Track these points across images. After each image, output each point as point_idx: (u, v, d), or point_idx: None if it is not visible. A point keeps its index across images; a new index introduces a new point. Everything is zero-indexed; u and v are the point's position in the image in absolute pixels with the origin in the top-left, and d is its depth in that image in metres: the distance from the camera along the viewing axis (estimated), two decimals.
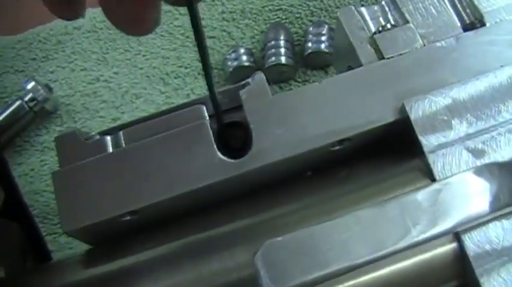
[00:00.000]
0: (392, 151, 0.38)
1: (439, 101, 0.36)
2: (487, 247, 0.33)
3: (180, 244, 0.37)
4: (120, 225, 0.37)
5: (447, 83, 0.37)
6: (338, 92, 0.37)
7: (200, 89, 0.58)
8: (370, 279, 0.33)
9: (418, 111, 0.36)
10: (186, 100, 0.41)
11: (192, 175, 0.36)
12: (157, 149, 0.37)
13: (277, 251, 0.29)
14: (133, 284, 0.36)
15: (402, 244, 0.30)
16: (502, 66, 0.37)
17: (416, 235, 0.30)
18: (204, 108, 0.38)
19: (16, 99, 0.59)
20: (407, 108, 0.36)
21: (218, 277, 0.35)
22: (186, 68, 0.60)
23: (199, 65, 0.59)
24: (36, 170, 0.58)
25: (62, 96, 0.61)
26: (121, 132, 0.38)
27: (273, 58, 0.56)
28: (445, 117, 0.36)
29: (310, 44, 0.57)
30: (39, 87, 0.59)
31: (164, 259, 0.36)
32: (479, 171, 0.32)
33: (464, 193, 0.32)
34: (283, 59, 0.56)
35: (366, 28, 0.40)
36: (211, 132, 0.37)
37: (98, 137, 0.39)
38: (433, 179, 0.34)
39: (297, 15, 0.61)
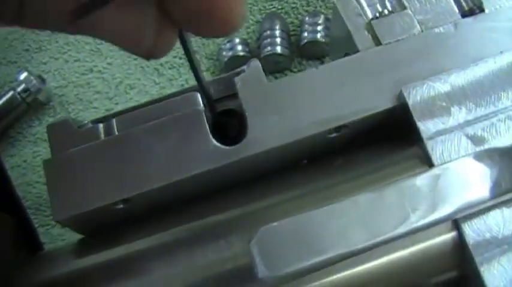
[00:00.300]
0: (390, 138, 0.37)
1: (438, 87, 0.35)
2: (487, 235, 0.32)
3: (174, 233, 0.36)
4: (112, 214, 0.36)
5: (446, 70, 0.36)
6: (335, 78, 0.37)
7: (194, 79, 0.57)
8: (367, 268, 0.33)
9: (416, 97, 0.35)
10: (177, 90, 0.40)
11: (186, 162, 0.35)
12: (150, 136, 0.36)
13: (272, 238, 0.28)
14: (126, 274, 0.35)
15: (401, 229, 0.29)
16: (501, 52, 0.37)
17: (416, 220, 0.29)
18: (199, 95, 0.37)
19: (8, 90, 0.58)
20: (405, 94, 0.35)
21: (214, 267, 0.34)
22: (180, 58, 0.59)
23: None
24: (28, 162, 0.57)
25: (55, 87, 0.60)
26: (114, 120, 0.38)
27: (269, 48, 0.55)
28: (444, 104, 0.35)
29: (306, 34, 0.56)
30: (32, 78, 0.58)
31: (158, 248, 0.35)
32: (480, 156, 0.32)
33: (464, 178, 0.31)
34: (278, 49, 0.55)
35: (363, 14, 0.40)
36: (205, 119, 0.36)
37: (90, 125, 0.38)
38: (432, 166, 0.34)
39: (293, 5, 0.60)
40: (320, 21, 0.56)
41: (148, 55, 0.27)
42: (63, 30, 0.25)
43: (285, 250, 0.28)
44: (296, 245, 0.28)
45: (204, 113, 0.36)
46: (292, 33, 0.59)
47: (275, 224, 0.29)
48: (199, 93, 0.37)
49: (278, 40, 0.56)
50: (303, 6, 0.60)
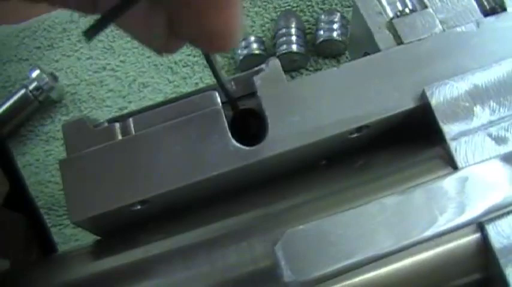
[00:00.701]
0: (412, 139, 0.37)
1: (461, 87, 0.35)
2: None
3: (193, 235, 0.35)
4: (130, 215, 0.36)
5: (468, 69, 0.36)
6: (356, 78, 0.36)
7: (209, 77, 0.57)
8: (391, 270, 0.32)
9: (439, 97, 0.35)
10: (194, 89, 0.40)
11: (206, 163, 0.35)
12: (168, 136, 0.36)
13: (298, 241, 0.28)
14: (144, 277, 0.35)
15: (429, 232, 0.29)
16: None
17: (444, 223, 0.29)
18: (217, 94, 0.37)
19: (20, 88, 0.58)
20: (428, 94, 0.35)
21: (234, 269, 0.33)
22: (194, 56, 0.59)
23: None
24: (41, 161, 0.57)
25: (67, 85, 0.60)
26: (130, 119, 0.37)
27: (284, 46, 0.55)
28: (467, 104, 0.35)
29: (322, 32, 0.56)
30: (44, 75, 0.58)
31: (176, 250, 0.35)
32: (507, 158, 0.31)
33: (492, 180, 0.30)
34: (294, 47, 0.55)
35: (383, 13, 0.39)
36: (225, 119, 0.36)
37: (106, 124, 0.37)
38: (456, 167, 0.33)
39: (308, 3, 0.59)
40: (336, 19, 0.55)
41: (160, 51, 0.27)
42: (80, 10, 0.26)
43: (311, 253, 0.28)
44: (322, 249, 0.28)
45: (223, 112, 0.36)
46: (307, 31, 0.58)
47: (301, 227, 0.28)
48: (218, 92, 0.37)
49: (294, 38, 0.55)
50: (318, 4, 0.59)
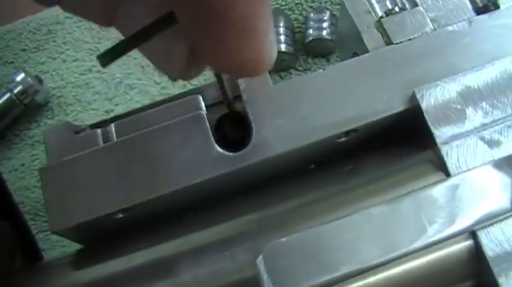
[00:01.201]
0: (402, 142, 0.36)
1: (452, 88, 0.34)
2: (505, 244, 0.31)
3: (177, 243, 0.34)
4: (112, 223, 0.35)
5: (460, 70, 0.35)
6: (343, 80, 0.35)
7: (197, 79, 0.56)
8: (380, 279, 0.31)
9: (429, 99, 0.33)
10: (180, 91, 0.39)
11: (189, 169, 0.34)
12: (151, 142, 0.35)
13: (281, 254, 0.27)
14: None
15: (418, 244, 0.27)
16: None
17: (433, 234, 0.28)
18: (201, 98, 0.36)
19: (5, 92, 0.57)
20: (418, 96, 0.33)
21: (217, 279, 0.32)
22: None
23: None
24: (26, 165, 0.56)
25: (53, 88, 0.59)
26: (112, 125, 0.36)
27: None
28: (459, 106, 0.33)
29: (311, 31, 0.54)
30: (29, 79, 0.56)
31: (160, 259, 0.34)
32: (499, 165, 0.30)
33: (483, 188, 0.29)
34: (283, 47, 0.53)
35: (372, 12, 0.38)
36: (208, 124, 0.34)
37: (88, 130, 0.36)
38: (447, 172, 0.32)
39: (297, 1, 0.58)
40: (325, 18, 0.54)
41: (178, 78, 0.26)
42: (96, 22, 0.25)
43: (294, 266, 0.27)
44: (306, 262, 0.27)
45: (206, 117, 0.35)
46: (296, 30, 0.57)
47: (283, 239, 0.27)
48: (202, 95, 0.36)
49: (282, 37, 0.54)
50: (307, 2, 0.58)
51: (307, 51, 0.56)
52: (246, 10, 0.20)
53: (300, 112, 0.34)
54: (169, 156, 0.34)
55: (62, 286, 0.35)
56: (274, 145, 0.34)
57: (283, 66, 0.55)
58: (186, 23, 0.21)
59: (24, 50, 0.61)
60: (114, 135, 0.36)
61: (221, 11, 0.19)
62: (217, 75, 0.32)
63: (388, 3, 0.38)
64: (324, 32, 0.54)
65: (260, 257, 0.27)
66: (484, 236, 0.31)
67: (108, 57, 0.21)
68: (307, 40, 0.54)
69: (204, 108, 0.35)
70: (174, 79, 0.26)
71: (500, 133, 0.33)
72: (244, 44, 0.21)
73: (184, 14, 0.20)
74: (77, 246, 0.38)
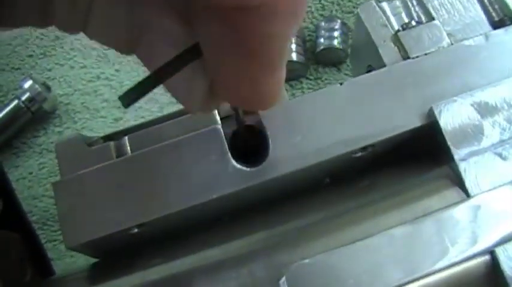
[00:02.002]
0: (418, 158, 0.36)
1: (470, 104, 0.34)
2: None
3: (192, 259, 0.34)
4: (127, 238, 0.34)
5: (477, 85, 0.34)
6: (360, 95, 0.35)
7: None
8: None
9: (447, 115, 0.33)
10: None
11: (205, 185, 0.33)
12: (166, 156, 0.34)
13: (304, 275, 0.27)
14: None
15: (440, 265, 0.27)
16: None
17: (456, 254, 0.27)
18: (216, 111, 0.35)
19: (13, 99, 0.56)
20: (435, 112, 0.33)
21: None
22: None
23: None
24: (34, 174, 0.55)
25: (60, 95, 0.58)
26: (126, 138, 0.36)
27: None
28: (477, 123, 0.33)
29: (322, 40, 0.54)
30: (37, 86, 0.56)
31: (175, 276, 0.34)
32: None
33: (505, 208, 0.29)
34: (294, 56, 0.53)
35: (388, 25, 0.38)
36: (224, 138, 0.34)
37: (101, 142, 0.36)
38: (465, 189, 0.32)
39: (307, 10, 0.58)
40: (336, 27, 0.54)
41: (197, 111, 0.27)
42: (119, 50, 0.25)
43: None
44: (329, 284, 0.26)
45: (222, 131, 0.34)
46: (307, 39, 0.57)
47: (306, 261, 0.27)
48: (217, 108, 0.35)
49: (293, 47, 0.53)
50: (318, 11, 0.58)
51: (318, 61, 0.56)
52: (277, 47, 0.20)
53: (316, 128, 0.34)
54: (185, 171, 0.34)
55: None
56: (291, 161, 0.34)
57: (294, 75, 0.55)
58: (212, 56, 0.21)
59: (31, 56, 0.61)
60: (129, 148, 0.35)
61: (254, 48, 0.20)
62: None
63: (404, 16, 0.38)
64: (335, 41, 0.54)
65: (283, 279, 0.26)
66: (501, 253, 0.30)
67: (131, 96, 0.21)
68: (318, 49, 0.54)
69: (220, 121, 0.35)
70: (192, 112, 0.26)
71: None
72: (267, 79, 0.22)
73: (213, 46, 0.20)
74: (86, 256, 0.37)
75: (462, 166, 0.32)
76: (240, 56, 0.20)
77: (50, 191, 0.53)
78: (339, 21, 0.54)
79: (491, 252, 0.31)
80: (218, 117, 0.35)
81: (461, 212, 0.29)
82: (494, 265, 0.31)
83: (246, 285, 0.32)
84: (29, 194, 0.54)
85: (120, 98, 0.20)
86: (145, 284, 0.34)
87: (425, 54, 0.36)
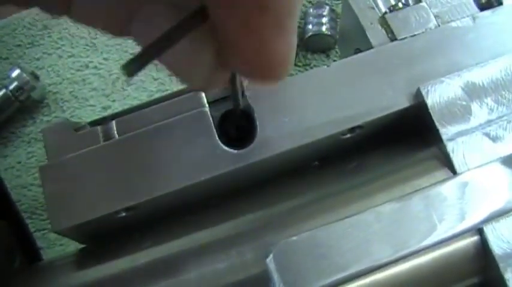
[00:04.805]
0: (406, 139, 0.36)
1: (457, 84, 0.34)
2: None
3: (181, 242, 0.34)
4: (114, 222, 0.34)
5: (464, 66, 0.34)
6: (348, 77, 0.35)
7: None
8: (387, 275, 0.31)
9: (435, 96, 0.33)
10: (180, 87, 0.38)
11: (193, 167, 0.33)
12: (153, 139, 0.34)
13: (291, 252, 0.26)
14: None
15: (428, 241, 0.27)
16: None
17: (444, 231, 0.27)
18: (203, 95, 0.35)
19: (0, 89, 0.56)
20: (423, 93, 0.33)
21: (224, 277, 0.32)
22: None
23: None
24: (23, 163, 0.55)
25: (49, 84, 0.58)
26: (113, 122, 0.35)
27: None
28: (464, 103, 0.33)
29: (310, 27, 0.54)
30: (25, 75, 0.56)
31: (164, 259, 0.34)
32: (507, 162, 0.30)
33: (492, 185, 0.29)
34: None
35: (375, 7, 0.38)
36: (211, 121, 0.34)
37: (88, 127, 0.36)
38: (453, 169, 0.32)
39: None
40: (325, 13, 0.54)
41: (203, 88, 0.25)
42: (109, 32, 0.23)
43: (304, 266, 0.26)
44: (316, 261, 0.26)
45: (209, 114, 0.34)
46: None
47: (294, 238, 0.27)
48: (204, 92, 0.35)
49: None
50: None
51: (307, 47, 0.56)
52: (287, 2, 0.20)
53: (304, 109, 0.34)
54: (173, 154, 0.34)
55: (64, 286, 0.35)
56: (279, 142, 0.34)
57: None
58: (221, 16, 0.20)
59: (19, 45, 0.60)
60: (116, 132, 0.35)
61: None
62: (233, 77, 0.31)
63: None
64: (324, 28, 0.54)
65: (270, 256, 0.26)
66: (490, 233, 0.31)
67: (133, 66, 0.20)
68: (307, 36, 0.54)
69: (207, 105, 0.35)
70: (196, 89, 0.25)
71: (505, 129, 0.33)
72: (278, 39, 0.21)
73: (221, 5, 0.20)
74: (75, 244, 0.37)
75: (450, 146, 0.32)
76: (250, 9, 0.20)
77: (39, 180, 0.53)
78: (327, 7, 0.54)
79: (480, 232, 0.31)
80: (205, 101, 0.35)
81: (448, 189, 0.29)
82: (483, 245, 0.31)
83: (235, 266, 0.32)
84: (17, 183, 0.54)
85: (123, 67, 0.20)
86: (134, 268, 0.34)
87: (413, 36, 0.36)
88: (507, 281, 0.30)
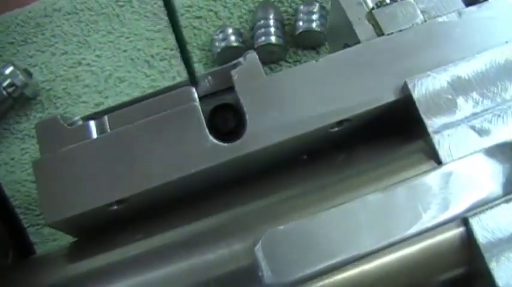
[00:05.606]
0: (394, 133, 0.36)
1: (443, 78, 0.34)
2: (497, 231, 0.31)
3: (172, 234, 0.35)
4: (106, 215, 0.35)
5: (450, 60, 0.35)
6: (336, 71, 0.35)
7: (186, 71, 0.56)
8: (375, 266, 0.31)
9: (421, 89, 0.34)
10: (172, 83, 0.39)
11: (183, 160, 0.34)
12: (145, 133, 0.35)
13: (278, 241, 0.27)
14: (122, 279, 0.34)
15: (413, 230, 0.28)
16: (507, 42, 0.36)
17: (428, 220, 0.28)
18: (194, 89, 0.36)
19: None
20: (409, 86, 0.34)
21: (213, 268, 0.32)
22: (171, 50, 0.58)
23: None
24: (16, 159, 0.55)
25: (42, 81, 0.59)
26: (106, 117, 0.36)
27: (263, 38, 0.54)
28: (450, 96, 0.34)
29: (301, 23, 0.55)
30: (18, 72, 0.56)
31: (155, 251, 0.34)
32: (491, 152, 0.31)
33: (476, 175, 0.30)
34: (273, 39, 0.54)
35: (363, 3, 0.38)
36: (202, 116, 0.35)
37: (81, 122, 0.36)
38: (439, 162, 0.33)
39: None
40: (315, 10, 0.54)
41: None
42: None
43: (291, 254, 0.27)
44: (303, 249, 0.27)
45: (200, 109, 0.35)
46: (286, 22, 0.57)
47: (281, 227, 0.27)
48: (195, 87, 0.36)
49: (272, 30, 0.54)
50: None
51: (297, 44, 0.56)
52: None
53: (293, 103, 0.35)
54: (164, 147, 0.34)
55: (56, 279, 0.35)
56: (268, 135, 0.34)
57: (273, 58, 0.55)
58: None
59: (12, 43, 0.61)
60: (108, 127, 0.36)
61: None
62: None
63: None
64: (314, 24, 0.54)
65: (258, 245, 0.27)
66: (475, 223, 0.31)
67: None
68: (297, 32, 0.55)
69: (198, 99, 0.35)
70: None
71: (490, 122, 0.33)
72: None
73: None
74: (69, 239, 0.38)
75: (436, 139, 0.33)
76: None
77: (32, 176, 0.53)
78: (317, 4, 0.55)
79: (465, 223, 0.32)
80: (196, 95, 0.36)
81: (433, 179, 0.29)
82: (468, 235, 0.32)
83: (223, 257, 0.32)
84: (11, 179, 0.54)
85: None
86: (125, 259, 0.34)
87: (400, 31, 0.36)
88: (492, 271, 0.31)
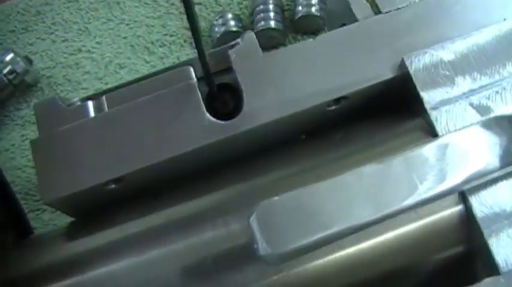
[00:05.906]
0: (392, 111, 0.36)
1: (441, 55, 0.34)
2: (495, 207, 0.31)
3: (169, 213, 0.35)
4: (104, 195, 0.35)
5: (448, 38, 0.35)
6: (333, 49, 0.35)
7: (186, 57, 0.56)
8: (373, 243, 0.31)
9: (418, 66, 0.34)
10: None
11: (181, 138, 0.34)
12: (142, 112, 0.35)
13: (273, 212, 0.27)
14: (120, 257, 0.34)
15: (409, 201, 0.28)
16: (505, 19, 0.35)
17: (424, 191, 0.28)
18: (192, 69, 0.36)
19: None
20: (407, 63, 0.34)
21: (211, 247, 0.32)
22: (171, 36, 0.58)
23: (185, 32, 0.57)
24: (17, 145, 0.55)
25: (42, 68, 0.59)
26: (104, 97, 0.36)
27: (262, 23, 0.54)
28: (447, 73, 0.34)
29: (300, 8, 0.55)
30: (19, 59, 0.56)
31: (152, 229, 0.34)
32: (488, 124, 0.30)
33: (473, 147, 0.30)
34: (272, 23, 0.54)
35: None
36: (199, 93, 0.35)
37: (79, 103, 0.36)
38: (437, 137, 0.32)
39: None
40: None
41: None
42: None
43: (287, 225, 0.27)
44: (298, 220, 0.27)
45: (197, 87, 0.35)
46: (286, 7, 0.57)
47: (276, 198, 0.27)
48: (193, 66, 0.36)
49: (272, 14, 0.54)
50: None
51: (296, 29, 0.56)
52: None
53: (290, 81, 0.35)
54: (161, 125, 0.34)
55: (55, 258, 0.35)
56: (265, 112, 0.34)
57: (272, 43, 0.55)
58: None
59: (13, 31, 0.61)
60: (106, 106, 0.36)
61: None
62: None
63: None
64: (313, 9, 0.54)
65: (253, 216, 0.27)
66: (474, 200, 0.31)
67: None
68: (296, 17, 0.55)
69: (195, 78, 0.35)
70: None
71: (488, 98, 0.33)
72: None
73: None
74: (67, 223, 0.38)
75: (434, 115, 0.33)
76: None
77: (33, 162, 0.53)
78: None
79: (464, 200, 0.31)
80: (194, 74, 0.36)
81: (429, 150, 0.29)
82: (467, 212, 0.32)
83: (221, 235, 0.32)
84: (11, 165, 0.54)
85: None
86: (123, 238, 0.34)
87: (397, 9, 0.36)
88: (491, 247, 0.30)
